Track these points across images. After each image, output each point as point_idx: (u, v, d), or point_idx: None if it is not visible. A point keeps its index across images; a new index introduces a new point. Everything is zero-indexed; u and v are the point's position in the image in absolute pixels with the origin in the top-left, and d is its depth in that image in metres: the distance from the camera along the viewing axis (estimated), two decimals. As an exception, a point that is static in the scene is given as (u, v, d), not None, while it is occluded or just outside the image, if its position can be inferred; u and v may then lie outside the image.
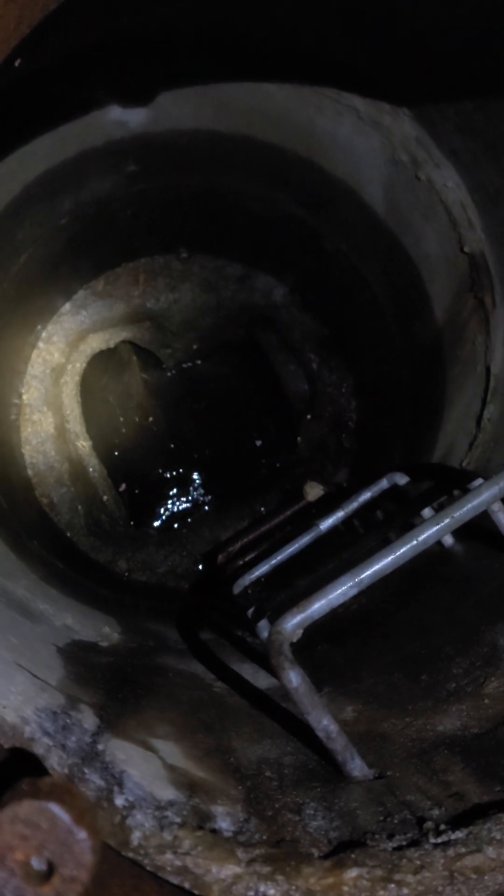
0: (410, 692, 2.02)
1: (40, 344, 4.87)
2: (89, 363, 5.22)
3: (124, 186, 3.97)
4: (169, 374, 5.60)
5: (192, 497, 5.48)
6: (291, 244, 4.61)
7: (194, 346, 5.53)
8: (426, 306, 3.95)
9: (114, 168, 3.77)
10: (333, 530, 3.13)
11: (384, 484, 2.97)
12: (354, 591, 1.66)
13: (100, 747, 1.51)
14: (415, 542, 1.68)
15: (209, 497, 5.46)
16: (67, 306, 4.90)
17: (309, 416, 5.46)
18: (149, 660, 2.71)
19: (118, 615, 3.47)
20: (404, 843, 1.25)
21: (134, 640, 2.99)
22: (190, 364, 5.59)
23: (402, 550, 1.67)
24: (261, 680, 2.54)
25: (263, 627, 2.41)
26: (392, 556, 1.66)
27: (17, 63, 1.27)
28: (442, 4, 1.90)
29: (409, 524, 2.80)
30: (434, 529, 1.69)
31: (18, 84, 2.21)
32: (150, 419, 5.59)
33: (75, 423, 5.15)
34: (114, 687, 2.13)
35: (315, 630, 2.76)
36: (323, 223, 4.19)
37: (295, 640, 1.65)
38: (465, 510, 1.70)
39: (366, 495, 2.97)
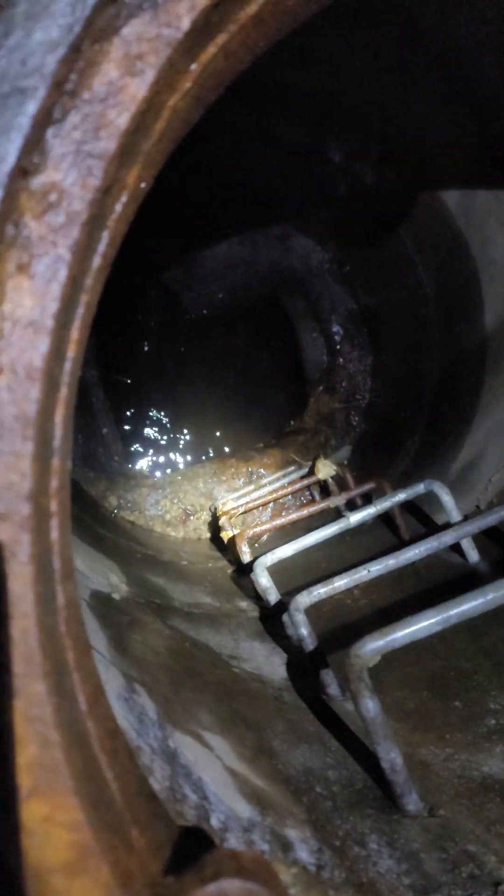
0: (445, 718, 2.04)
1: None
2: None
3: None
4: (188, 317, 5.45)
5: (192, 446, 5.41)
6: (346, 212, 4.47)
7: (219, 296, 5.38)
8: (477, 310, 3.89)
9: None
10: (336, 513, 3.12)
11: (421, 489, 2.95)
12: (438, 628, 1.64)
13: (171, 745, 1.48)
14: (508, 590, 1.66)
15: (208, 449, 5.40)
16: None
17: (321, 388, 5.39)
18: (162, 623, 2.68)
19: (118, 560, 3.43)
20: (486, 906, 1.26)
21: (140, 594, 2.96)
22: (210, 312, 5.45)
23: (491, 596, 1.65)
24: (277, 666, 2.54)
25: (291, 619, 2.39)
26: (482, 600, 1.64)
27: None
28: None
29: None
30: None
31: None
32: (161, 360, 5.46)
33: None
34: (146, 658, 2.09)
35: (331, 634, 2.77)
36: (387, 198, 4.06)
37: (372, 665, 1.63)
38: None
39: (401, 496, 2.94)
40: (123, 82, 0.78)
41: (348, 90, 3.52)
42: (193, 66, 0.87)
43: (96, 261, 0.87)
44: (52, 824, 0.75)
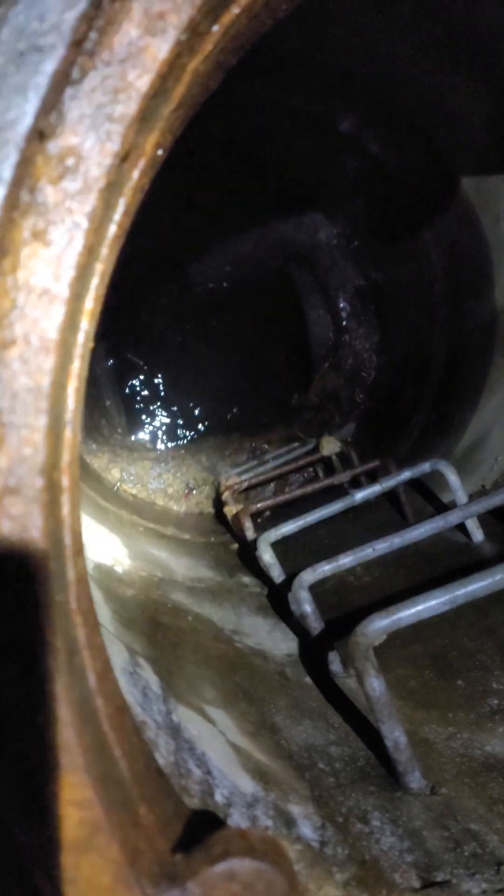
0: (448, 697, 2.04)
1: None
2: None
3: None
4: (195, 290, 5.40)
5: (195, 420, 5.38)
6: (355, 186, 4.40)
7: (226, 269, 5.33)
8: (486, 289, 3.84)
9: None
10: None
11: (426, 467, 2.94)
12: (445, 608, 1.64)
13: (174, 719, 1.48)
14: (515, 572, 1.65)
15: (212, 424, 5.38)
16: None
17: (327, 364, 5.35)
18: (165, 597, 2.68)
19: (120, 533, 3.43)
20: (486, 888, 1.26)
21: (143, 567, 2.96)
22: (216, 285, 5.40)
23: (499, 577, 1.64)
24: (279, 641, 2.54)
25: (294, 596, 2.38)
26: (490, 581, 1.63)
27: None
28: None
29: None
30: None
31: None
32: (167, 332, 5.41)
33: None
34: (147, 631, 2.09)
35: (334, 611, 2.76)
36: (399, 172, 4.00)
37: (377, 643, 1.62)
38: None
39: (406, 474, 2.93)
40: (144, 42, 0.75)
41: (362, 60, 3.45)
42: (216, 28, 0.84)
43: (112, 229, 0.85)
44: (63, 802, 0.74)
